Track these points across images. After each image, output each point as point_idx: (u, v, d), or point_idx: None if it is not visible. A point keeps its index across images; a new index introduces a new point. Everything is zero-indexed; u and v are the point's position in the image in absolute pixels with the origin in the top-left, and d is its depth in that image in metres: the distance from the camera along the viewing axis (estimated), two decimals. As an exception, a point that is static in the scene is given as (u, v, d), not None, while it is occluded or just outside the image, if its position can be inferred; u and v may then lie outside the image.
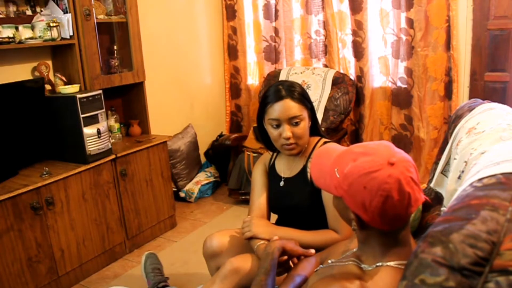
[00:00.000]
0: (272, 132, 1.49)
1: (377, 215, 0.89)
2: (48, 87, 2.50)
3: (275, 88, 1.48)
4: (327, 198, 1.46)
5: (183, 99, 3.63)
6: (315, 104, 3.25)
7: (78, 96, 2.28)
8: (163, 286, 2.09)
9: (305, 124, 1.48)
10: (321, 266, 1.15)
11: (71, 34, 2.42)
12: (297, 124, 1.46)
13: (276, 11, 3.60)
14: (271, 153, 1.69)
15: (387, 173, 0.87)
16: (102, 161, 2.42)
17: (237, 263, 1.45)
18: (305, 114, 1.48)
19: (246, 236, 1.51)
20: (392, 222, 0.91)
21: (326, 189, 1.02)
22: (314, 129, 1.57)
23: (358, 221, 0.94)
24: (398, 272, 0.89)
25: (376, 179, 0.87)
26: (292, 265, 1.35)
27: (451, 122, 1.48)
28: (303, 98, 1.48)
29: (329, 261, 1.12)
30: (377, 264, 0.95)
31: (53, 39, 2.37)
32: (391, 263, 0.94)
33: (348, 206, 0.94)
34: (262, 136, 1.61)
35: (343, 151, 1.00)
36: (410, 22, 3.01)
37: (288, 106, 1.45)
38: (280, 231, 1.51)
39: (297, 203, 1.55)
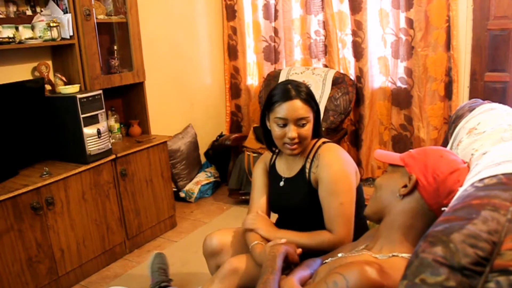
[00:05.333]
0: (277, 131, 1.48)
1: (437, 181, 1.00)
2: (48, 87, 2.51)
3: (284, 87, 1.48)
4: (323, 197, 1.47)
5: (183, 99, 3.63)
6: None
7: (78, 96, 2.28)
8: (165, 286, 2.09)
9: (310, 126, 1.49)
10: (330, 258, 1.15)
11: (71, 34, 2.42)
12: (303, 125, 1.46)
13: (276, 11, 3.60)
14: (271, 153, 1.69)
15: (461, 160, 1.06)
16: (102, 161, 2.42)
17: (236, 263, 1.45)
18: (311, 116, 1.48)
19: (248, 226, 1.52)
20: (441, 196, 0.99)
21: (387, 160, 1.13)
22: (316, 132, 1.56)
23: (412, 186, 1.02)
24: None
25: (452, 157, 1.05)
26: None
27: (451, 122, 1.48)
28: (311, 100, 1.48)
29: (339, 255, 1.12)
30: (393, 254, 0.99)
31: (53, 39, 2.37)
32: (405, 255, 0.98)
33: (410, 171, 1.05)
34: (264, 134, 1.61)
35: None
36: (410, 22, 3.01)
37: (296, 107, 1.44)
38: (279, 233, 1.51)
39: (296, 203, 1.55)
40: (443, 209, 0.94)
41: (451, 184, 0.99)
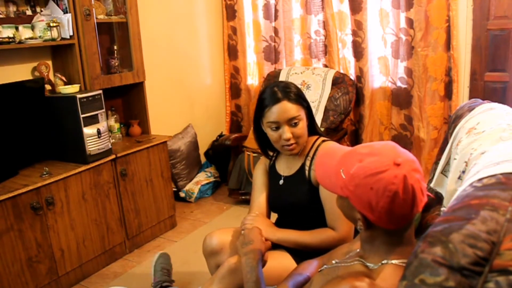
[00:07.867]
0: (272, 134, 1.50)
1: (383, 215, 0.90)
2: (48, 87, 2.51)
3: (271, 91, 1.49)
4: (325, 196, 1.47)
5: (183, 99, 3.63)
6: (315, 104, 3.26)
7: (78, 96, 2.28)
8: (166, 286, 2.09)
9: (303, 124, 1.49)
10: (325, 266, 1.14)
11: (71, 34, 2.42)
12: (296, 124, 1.47)
13: (276, 11, 3.60)
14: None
15: (394, 173, 0.88)
16: (102, 161, 2.42)
17: (235, 262, 1.45)
18: (302, 114, 1.49)
19: (247, 227, 1.52)
20: (398, 221, 0.92)
21: (331, 190, 1.02)
22: (312, 128, 1.57)
23: (364, 221, 0.95)
24: (402, 271, 0.89)
25: (382, 180, 0.88)
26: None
27: (451, 122, 1.48)
28: (300, 98, 1.49)
29: (333, 262, 1.12)
30: (383, 262, 0.96)
31: (53, 39, 2.38)
32: (396, 261, 0.95)
33: (354, 206, 0.95)
34: (259, 138, 1.62)
35: (349, 151, 1.00)
36: (410, 22, 3.01)
37: (286, 108, 1.45)
38: (279, 233, 1.52)
39: (296, 201, 1.55)
40: (442, 209, 0.93)
41: (398, 212, 0.89)
